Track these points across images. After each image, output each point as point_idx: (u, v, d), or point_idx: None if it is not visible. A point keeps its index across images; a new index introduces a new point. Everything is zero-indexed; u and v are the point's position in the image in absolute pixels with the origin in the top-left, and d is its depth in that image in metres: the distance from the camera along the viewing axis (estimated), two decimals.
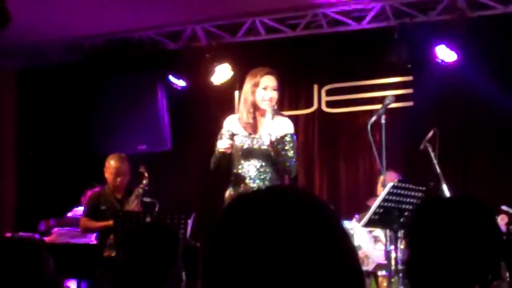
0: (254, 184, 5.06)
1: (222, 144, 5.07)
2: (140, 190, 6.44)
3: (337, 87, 8.48)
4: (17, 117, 9.57)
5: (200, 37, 8.60)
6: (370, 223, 5.08)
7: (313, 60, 8.45)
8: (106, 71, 8.86)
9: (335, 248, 1.17)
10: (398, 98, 6.85)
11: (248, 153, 5.11)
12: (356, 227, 6.11)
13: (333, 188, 8.40)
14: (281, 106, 7.95)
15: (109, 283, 5.83)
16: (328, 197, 8.14)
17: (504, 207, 6.08)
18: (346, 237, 1.21)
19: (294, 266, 1.13)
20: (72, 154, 9.04)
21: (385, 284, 5.97)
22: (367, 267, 6.16)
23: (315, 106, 8.55)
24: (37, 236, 7.46)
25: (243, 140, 5.14)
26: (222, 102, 8.11)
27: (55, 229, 7.50)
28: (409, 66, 7.83)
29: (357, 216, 6.39)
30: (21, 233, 7.74)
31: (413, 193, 4.95)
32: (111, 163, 6.56)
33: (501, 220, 5.83)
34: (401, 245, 4.96)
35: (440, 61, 7.56)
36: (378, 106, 5.66)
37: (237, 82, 7.65)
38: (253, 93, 5.13)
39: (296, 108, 8.56)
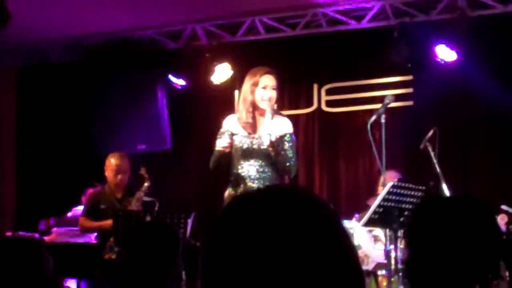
0: (254, 184, 5.06)
1: (221, 143, 5.07)
2: (142, 194, 6.44)
3: (337, 86, 8.48)
4: (17, 116, 9.57)
5: (200, 37, 8.60)
6: (370, 223, 5.08)
7: (313, 60, 8.45)
8: (106, 70, 8.86)
9: (335, 247, 1.17)
10: (398, 98, 6.85)
11: (248, 153, 5.11)
12: (356, 226, 6.11)
13: (333, 187, 8.40)
14: (281, 105, 7.96)
15: (109, 283, 5.83)
16: (328, 196, 8.14)
17: (504, 207, 6.08)
18: (346, 236, 1.21)
19: (294, 266, 1.13)
20: (72, 153, 9.03)
21: (385, 283, 5.97)
22: (367, 266, 6.16)
23: (315, 105, 8.55)
24: (37, 235, 7.46)
25: (242, 140, 5.14)
26: (222, 101, 8.11)
27: (55, 228, 7.50)
28: (409, 65, 7.83)
29: (357, 215, 6.39)
30: (21, 232, 7.73)
31: (413, 193, 4.95)
32: (112, 161, 6.57)
33: (501, 220, 5.83)
34: (401, 245, 4.96)
35: (440, 60, 7.56)
36: (378, 106, 5.66)
37: (237, 82, 7.65)
38: (252, 92, 5.13)
39: (296, 108, 8.56)
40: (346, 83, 8.42)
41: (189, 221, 6.26)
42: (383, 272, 6.03)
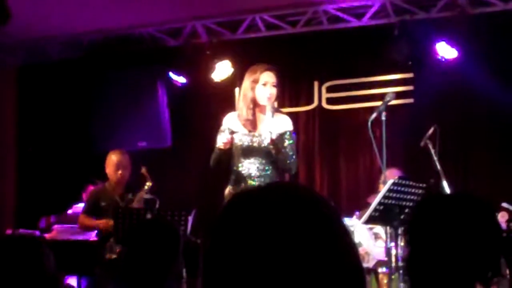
0: (254, 182, 5.05)
1: (221, 140, 5.06)
2: (143, 194, 6.43)
3: (337, 84, 8.48)
4: (17, 114, 9.57)
5: (201, 34, 8.59)
6: (370, 220, 5.08)
7: (314, 57, 8.45)
8: (106, 67, 8.86)
9: (335, 245, 1.17)
10: (398, 95, 6.84)
11: (248, 151, 5.10)
12: (357, 224, 6.11)
13: (334, 185, 8.40)
14: (282, 103, 7.99)
15: (109, 281, 5.83)
16: (329, 194, 8.15)
17: (504, 204, 6.08)
18: (346, 233, 1.21)
19: (295, 263, 1.13)
20: (72, 150, 9.04)
21: (385, 281, 5.97)
22: (368, 264, 6.16)
23: (316, 103, 8.55)
24: (37, 233, 7.47)
25: (243, 138, 5.13)
26: (223, 99, 8.10)
27: (56, 226, 7.50)
28: (410, 63, 7.82)
29: (357, 213, 6.39)
30: (21, 230, 7.74)
31: (413, 190, 4.95)
32: (112, 157, 6.59)
33: (501, 217, 5.84)
34: (402, 242, 4.96)
35: (440, 58, 7.56)
36: (379, 103, 5.66)
37: (237, 79, 7.64)
38: (253, 89, 5.13)
39: (296, 105, 8.56)
40: (346, 81, 8.42)
41: (190, 219, 6.26)
42: (384, 269, 6.04)
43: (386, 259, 5.52)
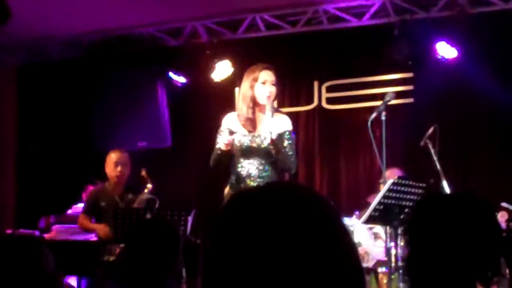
0: (254, 183, 5.05)
1: (221, 141, 5.05)
2: (145, 197, 6.42)
3: (337, 83, 8.48)
4: (17, 113, 9.57)
5: (201, 34, 8.59)
6: (370, 220, 5.08)
7: (314, 57, 8.45)
8: (106, 67, 8.86)
9: (335, 244, 1.17)
10: (398, 95, 6.85)
11: (248, 152, 5.10)
12: (356, 223, 6.11)
13: (334, 184, 8.40)
14: (282, 102, 7.99)
15: (109, 281, 5.84)
16: (328, 193, 8.15)
17: (504, 204, 6.08)
18: (346, 233, 1.20)
19: (294, 263, 1.12)
20: (72, 150, 9.04)
21: (385, 280, 5.97)
22: (367, 263, 6.16)
23: (316, 102, 8.55)
24: (37, 233, 7.46)
25: (242, 139, 5.13)
26: (223, 98, 8.11)
27: (55, 226, 7.50)
28: (410, 62, 7.82)
29: (357, 212, 6.39)
30: (21, 230, 7.74)
31: (413, 190, 4.95)
32: (111, 155, 6.61)
33: (501, 217, 5.83)
34: (401, 242, 4.96)
35: (440, 57, 7.56)
36: (379, 103, 5.66)
37: (237, 79, 7.64)
38: (252, 87, 5.13)
39: (296, 105, 8.56)
40: (346, 80, 8.42)
41: (190, 219, 6.26)
42: (384, 269, 6.03)
43: (385, 259, 5.52)
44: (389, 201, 4.87)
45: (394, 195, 4.88)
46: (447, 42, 7.50)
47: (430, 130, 6.04)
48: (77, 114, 9.00)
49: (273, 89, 5.13)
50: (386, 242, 5.32)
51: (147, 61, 8.65)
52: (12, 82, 9.55)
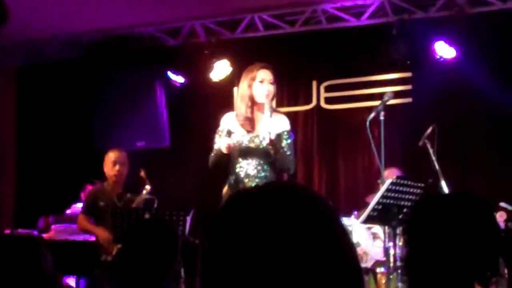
0: (252, 183, 5.04)
1: (223, 143, 5.03)
2: (143, 197, 6.41)
3: (336, 83, 8.48)
4: (16, 114, 9.57)
5: (199, 33, 8.60)
6: (368, 220, 5.08)
7: (312, 56, 8.46)
8: (105, 67, 8.86)
9: (333, 244, 1.17)
10: (397, 95, 6.85)
11: (247, 152, 5.09)
12: (355, 223, 6.11)
13: (332, 184, 8.40)
14: (280, 102, 7.99)
15: (108, 281, 5.83)
16: (327, 193, 8.15)
17: (502, 204, 6.08)
18: (344, 233, 1.20)
19: (293, 263, 1.12)
20: (71, 150, 9.04)
21: (383, 281, 5.97)
22: (366, 264, 6.16)
23: (314, 102, 8.55)
24: (35, 232, 7.46)
25: (241, 139, 5.12)
26: (221, 98, 8.10)
27: (54, 225, 7.49)
28: (408, 62, 7.82)
29: (355, 212, 6.39)
30: (19, 230, 7.73)
31: (411, 190, 4.95)
32: (110, 155, 6.61)
33: (500, 217, 5.84)
34: (400, 242, 4.96)
35: (439, 57, 7.56)
36: (377, 103, 5.65)
37: (236, 79, 7.63)
38: (250, 86, 5.13)
39: (295, 105, 8.56)
40: (345, 80, 8.42)
41: (188, 219, 6.26)
42: (382, 269, 6.04)
43: (384, 259, 5.52)
44: (388, 201, 4.87)
45: (392, 195, 4.88)
46: (446, 42, 7.51)
47: (429, 130, 6.04)
48: (76, 114, 9.01)
49: (271, 88, 5.13)
50: (384, 242, 5.32)
51: (146, 61, 8.65)
52: (11, 83, 9.55)
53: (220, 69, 8.25)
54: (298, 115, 8.46)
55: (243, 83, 5.20)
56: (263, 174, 5.07)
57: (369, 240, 6.32)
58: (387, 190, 4.86)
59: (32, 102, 9.40)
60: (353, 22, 8.13)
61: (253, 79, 5.13)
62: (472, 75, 7.35)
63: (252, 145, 5.09)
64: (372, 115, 5.31)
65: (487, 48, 7.52)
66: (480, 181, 7.54)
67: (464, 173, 7.75)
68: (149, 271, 3.19)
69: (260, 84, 5.12)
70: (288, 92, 8.55)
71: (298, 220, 1.16)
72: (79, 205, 7.22)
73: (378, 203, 4.87)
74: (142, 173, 6.48)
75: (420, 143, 6.07)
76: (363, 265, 6.01)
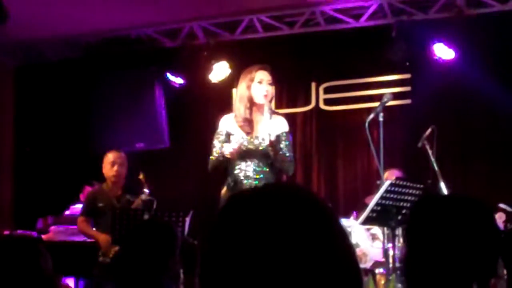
0: (251, 184, 5.04)
1: (228, 149, 5.00)
2: (142, 198, 6.40)
3: (335, 85, 8.48)
4: (14, 114, 9.56)
5: (198, 35, 8.60)
6: (368, 221, 5.08)
7: (311, 58, 8.46)
8: (104, 68, 8.85)
9: (332, 246, 1.17)
10: (396, 96, 6.85)
11: (246, 154, 5.08)
12: (354, 224, 6.11)
13: (331, 185, 8.40)
14: (279, 104, 7.99)
15: (107, 282, 5.82)
16: (326, 194, 8.15)
17: (501, 205, 6.08)
18: (343, 234, 1.20)
19: (292, 264, 1.12)
20: (69, 151, 9.03)
21: (382, 281, 5.97)
22: (365, 264, 6.16)
23: (313, 104, 8.55)
24: (34, 233, 7.45)
25: (240, 140, 5.11)
26: (220, 100, 8.10)
27: (53, 227, 7.49)
28: (407, 64, 7.83)
29: (355, 213, 6.39)
30: (18, 231, 7.73)
31: (410, 191, 4.95)
32: (108, 156, 6.60)
33: (499, 218, 5.84)
34: (399, 243, 4.96)
35: (438, 58, 7.57)
36: (376, 104, 5.65)
37: (235, 80, 7.62)
38: (249, 87, 5.12)
39: (294, 106, 8.56)
40: (344, 82, 8.42)
41: (187, 220, 6.26)
42: (381, 270, 6.04)
43: (383, 260, 5.52)
44: (387, 202, 4.86)
45: (391, 196, 4.87)
46: (445, 44, 7.51)
47: (428, 131, 6.05)
48: (74, 114, 9.00)
49: (270, 88, 5.13)
50: (383, 243, 5.32)
51: (145, 62, 8.65)
52: (9, 83, 9.55)
53: (219, 71, 8.25)
54: (297, 116, 8.46)
55: (242, 84, 5.20)
56: (262, 175, 5.06)
57: (368, 241, 6.32)
58: (386, 191, 4.85)
59: (31, 102, 9.39)
60: (352, 23, 8.13)
61: (252, 80, 5.13)
62: (471, 77, 7.36)
63: (251, 146, 5.08)
64: (371, 116, 5.31)
65: (486, 49, 7.53)
66: (479, 182, 7.54)
67: (463, 174, 7.75)
68: (148, 271, 3.19)
69: (258, 85, 5.11)
70: (287, 93, 8.55)
71: (297, 221, 1.16)
72: (78, 206, 7.21)
73: (377, 204, 4.86)
74: (141, 176, 6.47)
75: (419, 144, 6.07)
76: (362, 266, 6.01)
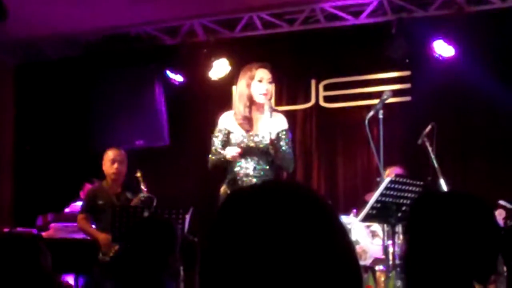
0: (251, 182, 5.03)
1: (231, 152, 4.99)
2: (142, 195, 6.39)
3: (334, 82, 8.48)
4: (14, 112, 9.56)
5: (198, 32, 8.59)
6: (367, 218, 5.08)
7: (311, 55, 8.45)
8: (103, 66, 8.85)
9: (332, 243, 1.17)
10: (396, 93, 6.86)
11: (245, 151, 5.08)
12: (354, 221, 6.12)
13: (331, 183, 8.40)
14: (279, 101, 8.00)
15: (107, 279, 5.83)
16: (326, 192, 8.15)
17: (501, 202, 6.08)
18: (343, 231, 1.20)
19: (292, 261, 1.12)
20: (69, 149, 9.03)
21: (382, 278, 5.98)
22: (365, 261, 6.17)
23: (313, 101, 8.55)
24: (34, 231, 7.46)
25: (239, 139, 5.11)
26: (220, 97, 8.10)
27: (53, 224, 7.49)
28: (407, 61, 7.83)
29: (355, 211, 6.40)
30: (18, 228, 7.73)
31: (410, 188, 4.94)
32: (108, 153, 6.62)
33: (499, 215, 5.84)
34: (399, 240, 4.96)
35: (438, 56, 7.57)
36: (376, 101, 5.65)
37: (235, 77, 7.61)
38: (249, 86, 5.12)
39: (293, 103, 8.56)
40: (344, 79, 8.42)
41: (187, 217, 6.26)
42: (381, 267, 6.04)
43: (383, 257, 5.53)
44: (387, 199, 4.87)
45: (391, 193, 4.87)
46: (445, 41, 7.51)
47: (428, 128, 6.05)
48: (74, 112, 9.00)
49: (269, 87, 5.13)
50: (383, 240, 5.32)
51: (145, 60, 8.64)
52: (9, 81, 9.54)
53: (219, 68, 8.25)
54: (297, 113, 8.46)
55: (241, 82, 5.19)
56: (262, 173, 5.06)
57: (368, 238, 6.32)
58: (386, 188, 4.85)
59: (31, 100, 9.39)
60: (351, 20, 8.13)
61: (252, 78, 5.12)
62: (471, 74, 7.35)
63: (251, 144, 5.08)
64: (371, 113, 5.31)
65: (486, 46, 7.53)
66: (479, 179, 7.54)
67: (463, 171, 7.75)
68: (148, 268, 3.20)
69: (258, 83, 5.11)
70: (287, 90, 8.55)
71: (297, 218, 1.16)
72: (78, 204, 7.21)
73: (377, 201, 4.86)
74: (138, 174, 6.45)
75: (419, 141, 6.07)
76: (362, 263, 6.01)
